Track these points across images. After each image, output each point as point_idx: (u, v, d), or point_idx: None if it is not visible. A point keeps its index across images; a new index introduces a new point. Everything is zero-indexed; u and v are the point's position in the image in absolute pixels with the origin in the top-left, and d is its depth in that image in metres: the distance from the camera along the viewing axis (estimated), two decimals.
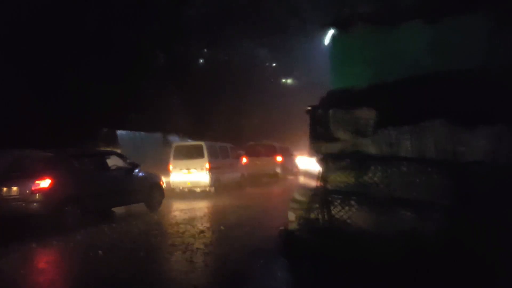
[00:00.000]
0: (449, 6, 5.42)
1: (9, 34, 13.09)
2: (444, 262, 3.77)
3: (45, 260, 5.68)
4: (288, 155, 18.94)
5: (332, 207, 4.88)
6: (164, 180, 10.73)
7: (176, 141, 17.75)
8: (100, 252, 5.59)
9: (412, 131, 4.71)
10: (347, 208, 4.80)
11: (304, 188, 5.37)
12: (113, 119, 16.46)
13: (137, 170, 9.35)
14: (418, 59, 5.36)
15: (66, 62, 14.39)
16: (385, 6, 6.10)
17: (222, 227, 7.02)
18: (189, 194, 12.94)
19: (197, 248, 5.59)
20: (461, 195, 4.19)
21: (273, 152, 17.27)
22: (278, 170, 17.17)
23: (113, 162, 9.31)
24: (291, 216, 5.36)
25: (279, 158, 17.24)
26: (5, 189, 7.28)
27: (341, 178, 4.87)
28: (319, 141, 5.20)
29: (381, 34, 5.83)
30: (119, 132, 17.01)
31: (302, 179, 15.72)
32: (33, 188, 7.11)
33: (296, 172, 19.03)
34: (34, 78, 13.42)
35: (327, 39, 6.95)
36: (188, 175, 12.83)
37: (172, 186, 12.82)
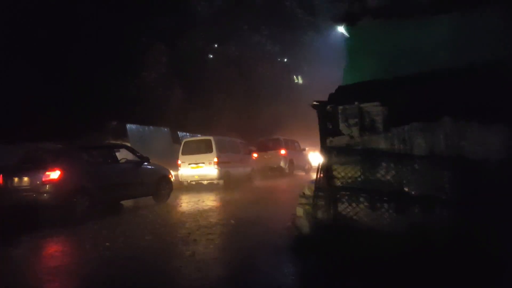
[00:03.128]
0: (463, 0, 5.30)
1: (20, 25, 13.24)
2: (452, 258, 3.73)
3: (53, 250, 5.75)
4: (297, 150, 18.57)
5: (339, 204, 4.84)
6: (173, 173, 10.80)
7: (186, 137, 17.82)
8: (107, 243, 5.65)
9: (424, 128, 4.63)
10: (354, 204, 4.76)
11: (313, 184, 5.33)
12: (123, 112, 16.59)
13: (146, 163, 9.41)
14: (430, 54, 5.26)
15: (77, 55, 14.51)
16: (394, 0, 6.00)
17: (230, 221, 7.02)
18: (198, 187, 13.02)
19: (205, 241, 5.60)
20: (472, 193, 4.13)
21: (278, 145, 17.10)
22: (282, 164, 16.82)
23: (123, 155, 9.39)
24: (299, 211, 5.34)
25: (283, 152, 16.95)
26: (16, 179, 7.41)
27: (351, 174, 4.82)
28: (328, 137, 5.16)
29: (392, 29, 5.74)
30: (128, 125, 17.13)
31: (313, 176, 15.47)
32: (43, 179, 7.21)
33: (308, 168, 18.64)
34: (44, 71, 13.57)
35: (338, 34, 6.89)
36: (196, 169, 12.93)
37: (180, 180, 12.95)
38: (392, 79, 5.16)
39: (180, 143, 14.38)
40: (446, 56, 5.19)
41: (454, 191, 4.28)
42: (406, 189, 4.58)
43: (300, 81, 30.07)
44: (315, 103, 5.16)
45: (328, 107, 5.18)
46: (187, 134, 21.20)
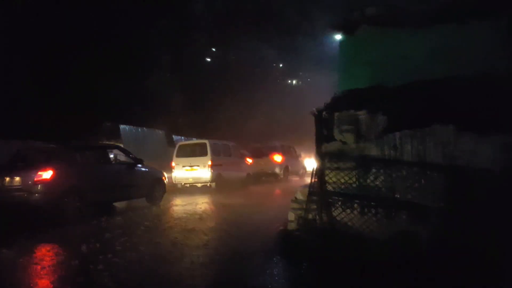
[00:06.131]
0: (455, 13, 5.41)
1: (15, 26, 13.18)
2: (442, 265, 3.77)
3: (42, 251, 5.68)
4: (293, 155, 18.69)
5: (333, 209, 4.88)
6: (166, 175, 10.76)
7: (181, 140, 17.78)
8: (97, 244, 5.60)
9: (415, 135, 4.70)
10: (348, 210, 4.80)
11: (306, 188, 5.37)
12: (117, 113, 16.52)
13: (139, 165, 9.36)
14: (424, 63, 5.34)
15: (71, 55, 14.47)
16: (392, 9, 6.09)
17: (221, 224, 7.01)
18: (190, 189, 12.99)
19: (195, 244, 5.59)
20: (460, 200, 4.19)
21: (273, 151, 17.25)
22: (277, 169, 16.95)
23: (116, 156, 9.34)
24: (291, 216, 5.37)
25: (277, 158, 17.07)
26: (7, 179, 7.30)
27: (343, 180, 4.86)
28: (323, 143, 5.21)
29: (387, 38, 5.83)
30: (122, 126, 17.05)
31: (308, 181, 15.54)
32: (35, 179, 7.13)
33: (302, 174, 18.75)
34: (38, 71, 13.50)
35: (334, 41, 6.96)
36: (190, 171, 12.96)
37: (174, 182, 12.95)
38: (386, 87, 5.23)
39: (175, 146, 14.38)
40: (439, 66, 5.28)
41: (444, 199, 4.33)
42: (398, 196, 4.63)
43: (296, 82, 30.33)
44: (315, 110, 5.22)
45: (324, 113, 5.24)
46: (182, 137, 21.16)
